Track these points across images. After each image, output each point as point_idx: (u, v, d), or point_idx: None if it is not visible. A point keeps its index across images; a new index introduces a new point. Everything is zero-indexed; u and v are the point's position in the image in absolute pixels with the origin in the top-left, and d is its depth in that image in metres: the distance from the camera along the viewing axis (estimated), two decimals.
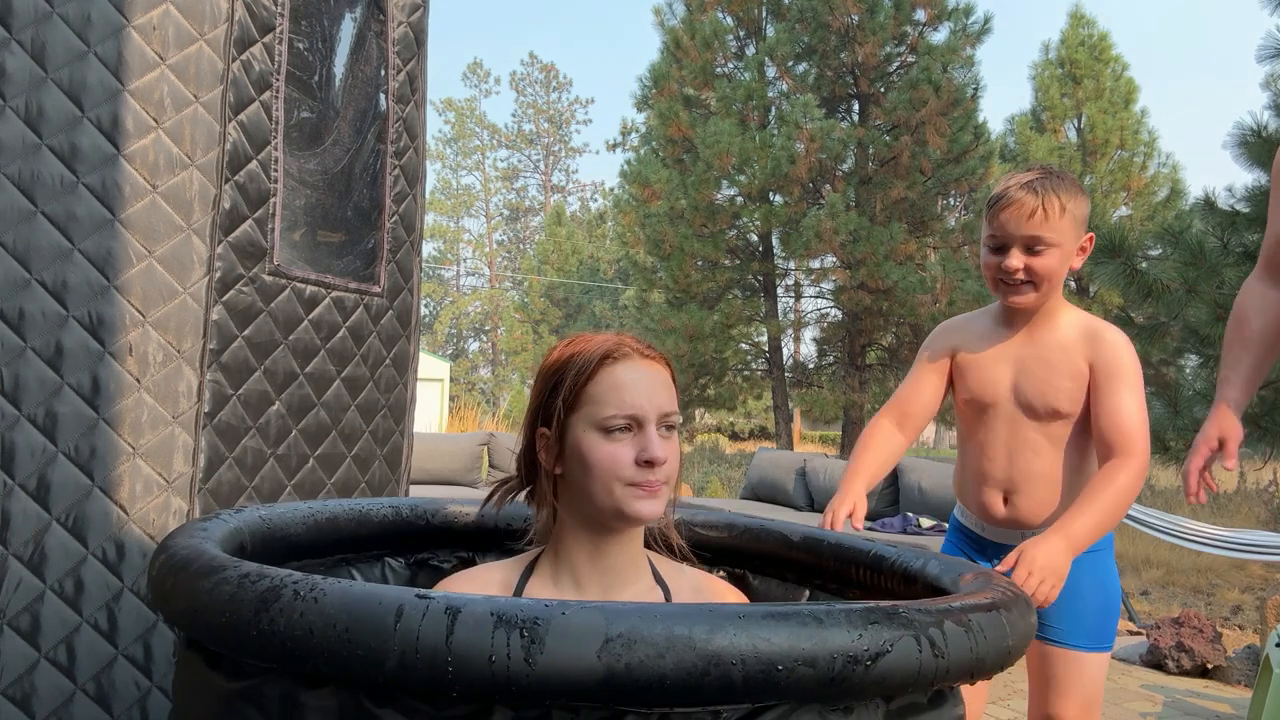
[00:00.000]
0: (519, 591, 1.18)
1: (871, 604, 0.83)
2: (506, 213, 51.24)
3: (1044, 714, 1.82)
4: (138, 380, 1.69)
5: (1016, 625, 0.94)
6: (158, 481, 1.72)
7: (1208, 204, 5.63)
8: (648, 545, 1.26)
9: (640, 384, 1.12)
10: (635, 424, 1.11)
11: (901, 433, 1.91)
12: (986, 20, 14.05)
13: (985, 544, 1.88)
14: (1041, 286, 1.73)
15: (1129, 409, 1.67)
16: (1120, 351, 1.72)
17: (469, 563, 1.52)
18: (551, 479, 1.17)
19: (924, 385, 1.90)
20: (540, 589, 1.18)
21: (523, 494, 1.24)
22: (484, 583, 1.19)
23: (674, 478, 1.15)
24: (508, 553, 1.46)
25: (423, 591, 0.78)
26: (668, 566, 1.26)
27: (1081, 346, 1.75)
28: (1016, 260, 1.72)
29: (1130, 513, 5.66)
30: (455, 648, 0.73)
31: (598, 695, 0.74)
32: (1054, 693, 1.80)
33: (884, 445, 1.88)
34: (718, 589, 1.29)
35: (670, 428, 1.15)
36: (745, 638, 0.75)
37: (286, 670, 0.82)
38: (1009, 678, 4.25)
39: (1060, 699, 1.79)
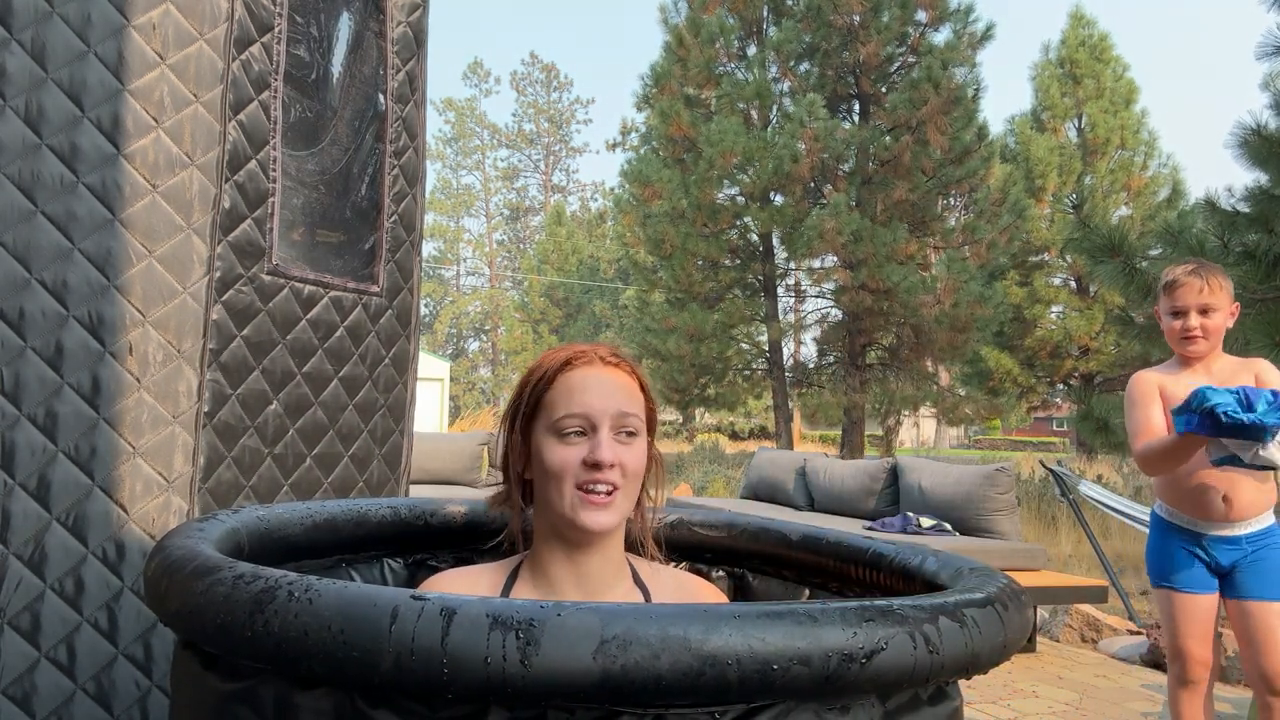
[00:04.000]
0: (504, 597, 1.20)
1: (866, 601, 0.83)
2: (506, 212, 51.26)
3: (1261, 669, 2.40)
4: (138, 380, 1.69)
5: (1012, 620, 0.94)
6: (158, 481, 1.72)
7: (1209, 205, 5.63)
8: (628, 549, 1.26)
9: (594, 387, 1.13)
10: (589, 427, 1.12)
11: None
12: (989, 28, 14.05)
13: (1201, 536, 2.48)
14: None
15: None
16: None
17: (467, 563, 1.52)
18: (521, 483, 1.20)
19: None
20: (524, 596, 1.19)
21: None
22: (471, 584, 1.20)
23: (631, 484, 1.15)
24: (505, 554, 1.46)
25: (417, 593, 0.78)
26: (646, 567, 1.27)
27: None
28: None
29: (1130, 512, 5.66)
30: (450, 649, 0.73)
31: (593, 696, 0.74)
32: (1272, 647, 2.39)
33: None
34: (696, 587, 1.29)
35: (630, 433, 1.15)
36: (740, 637, 0.75)
37: (281, 671, 0.82)
38: (1009, 678, 4.25)
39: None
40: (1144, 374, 2.63)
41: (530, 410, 1.17)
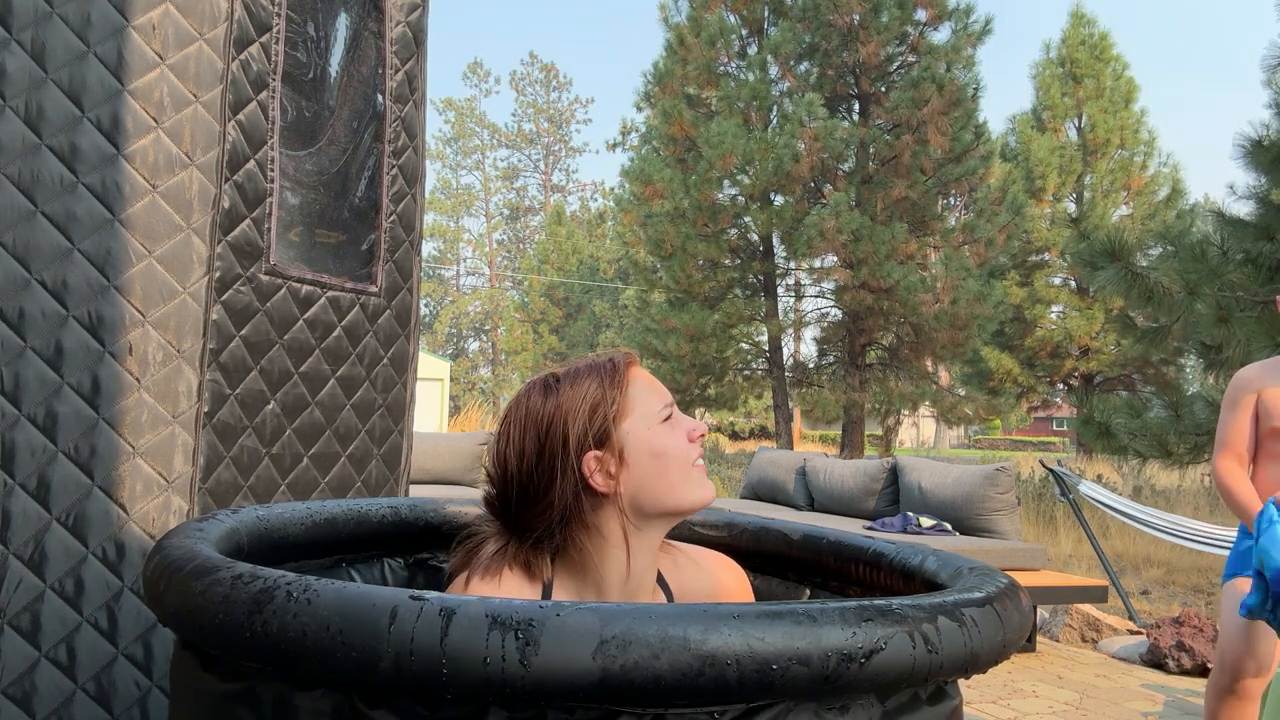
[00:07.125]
0: None
1: (865, 601, 0.83)
2: (506, 212, 51.28)
3: None
4: (138, 380, 1.69)
5: (1011, 619, 0.94)
6: (158, 481, 1.72)
7: (1218, 214, 5.65)
8: None
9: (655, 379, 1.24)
10: (674, 409, 1.21)
11: (1242, 466, 2.42)
12: (987, 21, 14.06)
13: None
14: None
15: None
16: None
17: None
18: (596, 499, 1.14)
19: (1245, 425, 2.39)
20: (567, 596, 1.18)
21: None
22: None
23: None
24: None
25: (416, 593, 0.78)
26: (661, 556, 1.27)
27: None
28: None
29: (1130, 511, 5.66)
30: (450, 649, 0.73)
31: (593, 696, 0.74)
32: None
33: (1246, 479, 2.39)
34: (710, 563, 1.32)
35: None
36: (739, 637, 0.75)
37: (280, 672, 0.82)
38: (1009, 677, 4.25)
39: None
40: (1244, 373, 2.42)
41: (618, 415, 1.15)
